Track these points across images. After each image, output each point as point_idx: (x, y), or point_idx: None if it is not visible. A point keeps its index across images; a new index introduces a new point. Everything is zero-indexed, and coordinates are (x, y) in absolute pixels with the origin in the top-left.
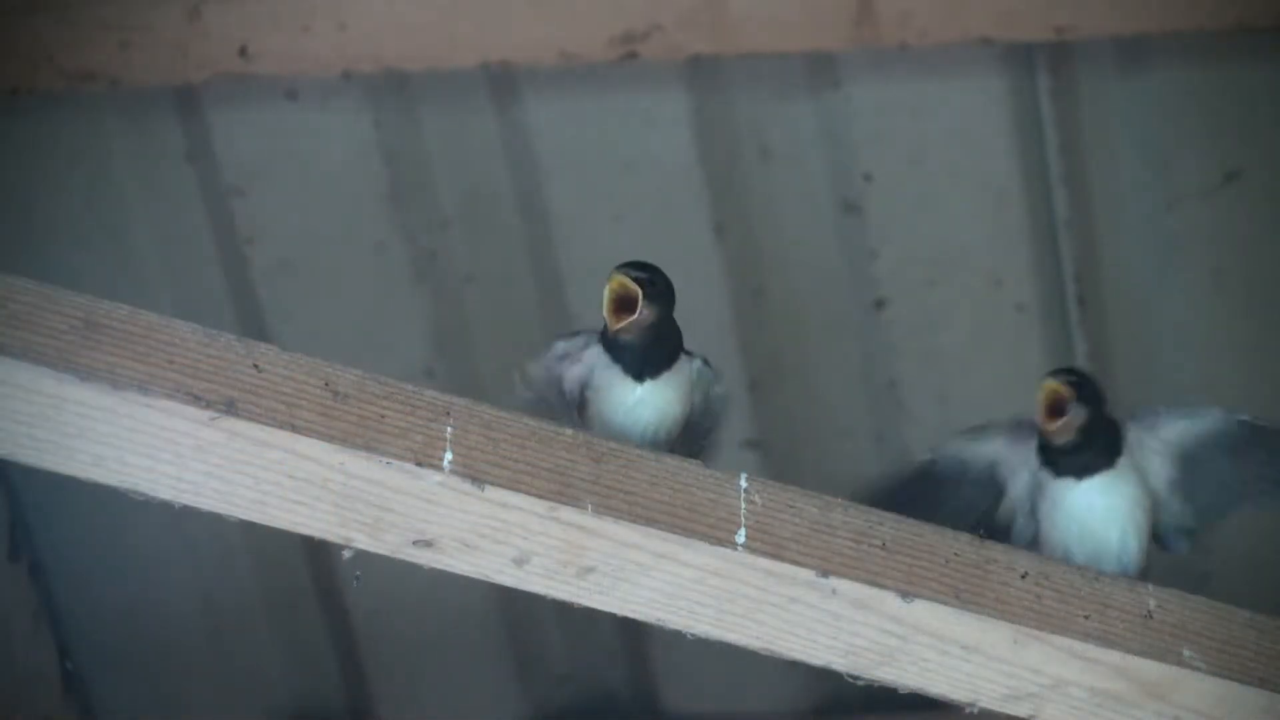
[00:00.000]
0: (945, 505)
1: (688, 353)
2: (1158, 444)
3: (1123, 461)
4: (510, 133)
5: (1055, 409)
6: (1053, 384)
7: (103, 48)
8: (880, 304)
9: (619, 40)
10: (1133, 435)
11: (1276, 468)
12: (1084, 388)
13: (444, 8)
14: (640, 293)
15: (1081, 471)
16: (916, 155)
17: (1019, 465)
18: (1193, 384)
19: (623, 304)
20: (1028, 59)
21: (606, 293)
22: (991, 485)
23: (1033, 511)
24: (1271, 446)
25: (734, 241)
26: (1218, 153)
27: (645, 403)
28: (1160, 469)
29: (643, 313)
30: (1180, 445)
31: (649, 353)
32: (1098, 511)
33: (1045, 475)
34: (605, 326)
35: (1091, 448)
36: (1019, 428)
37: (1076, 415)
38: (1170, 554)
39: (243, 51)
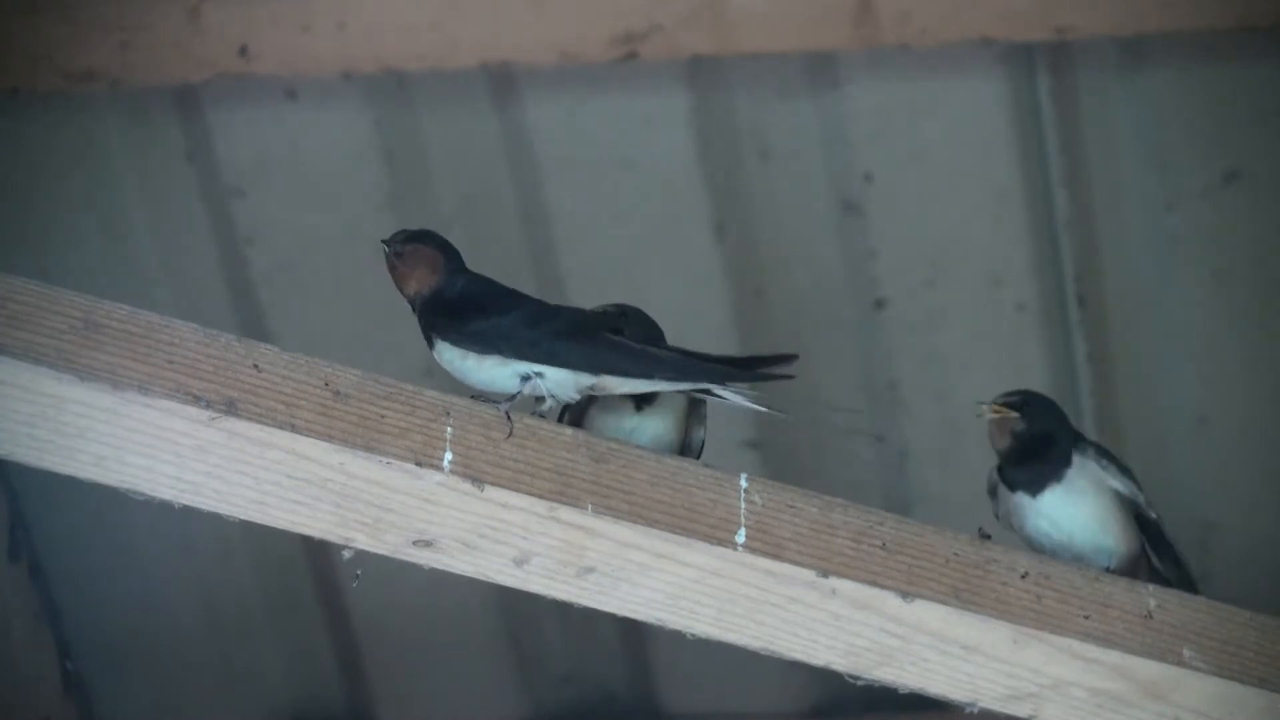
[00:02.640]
0: None
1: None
2: (1108, 470)
3: (1071, 472)
4: (510, 133)
5: (998, 423)
6: (993, 410)
7: (103, 48)
8: (880, 304)
9: (619, 40)
10: (1089, 450)
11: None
12: (1025, 404)
13: (444, 8)
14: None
15: (1033, 487)
16: (916, 155)
17: (998, 491)
18: (1193, 384)
19: None
20: (1028, 59)
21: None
22: None
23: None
24: (1171, 552)
25: (734, 241)
26: (1218, 153)
27: (641, 430)
28: (1116, 481)
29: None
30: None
31: None
32: (1061, 525)
33: (1004, 490)
34: None
35: (1037, 459)
36: (991, 477)
37: (1015, 422)
38: None
39: (243, 51)
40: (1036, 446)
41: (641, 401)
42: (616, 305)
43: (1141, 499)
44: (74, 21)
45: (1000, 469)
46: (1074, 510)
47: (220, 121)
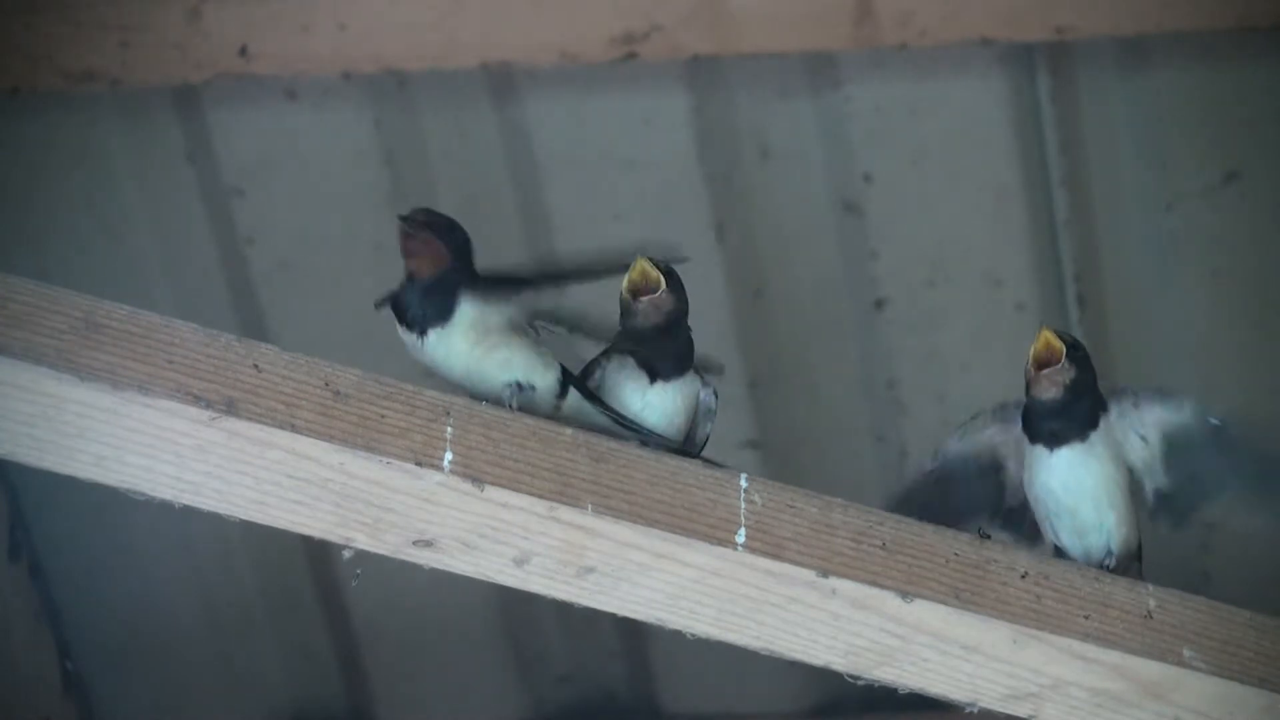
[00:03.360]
0: (959, 505)
1: (697, 371)
2: (1137, 422)
3: (1096, 435)
4: (510, 133)
5: (1046, 359)
6: (1050, 334)
7: (103, 48)
8: (880, 304)
9: (619, 40)
10: (1114, 410)
11: (1246, 468)
12: (1077, 349)
13: (444, 8)
14: (662, 278)
15: (1054, 440)
16: (916, 155)
17: (1011, 443)
18: (1193, 384)
19: (646, 285)
20: (1028, 59)
21: (631, 275)
22: (995, 471)
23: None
24: (1241, 449)
25: (734, 241)
26: (1218, 153)
27: (653, 406)
28: (1140, 446)
29: (663, 294)
30: (1158, 427)
31: (667, 350)
32: (1070, 486)
33: (1024, 440)
34: (612, 340)
35: (1069, 415)
36: (1005, 409)
37: (1064, 371)
38: (1160, 526)
39: (243, 51)
40: (1074, 399)
41: (656, 376)
42: (664, 262)
43: (1189, 408)
44: (74, 21)
45: (1025, 416)
46: (1085, 474)
47: (220, 121)
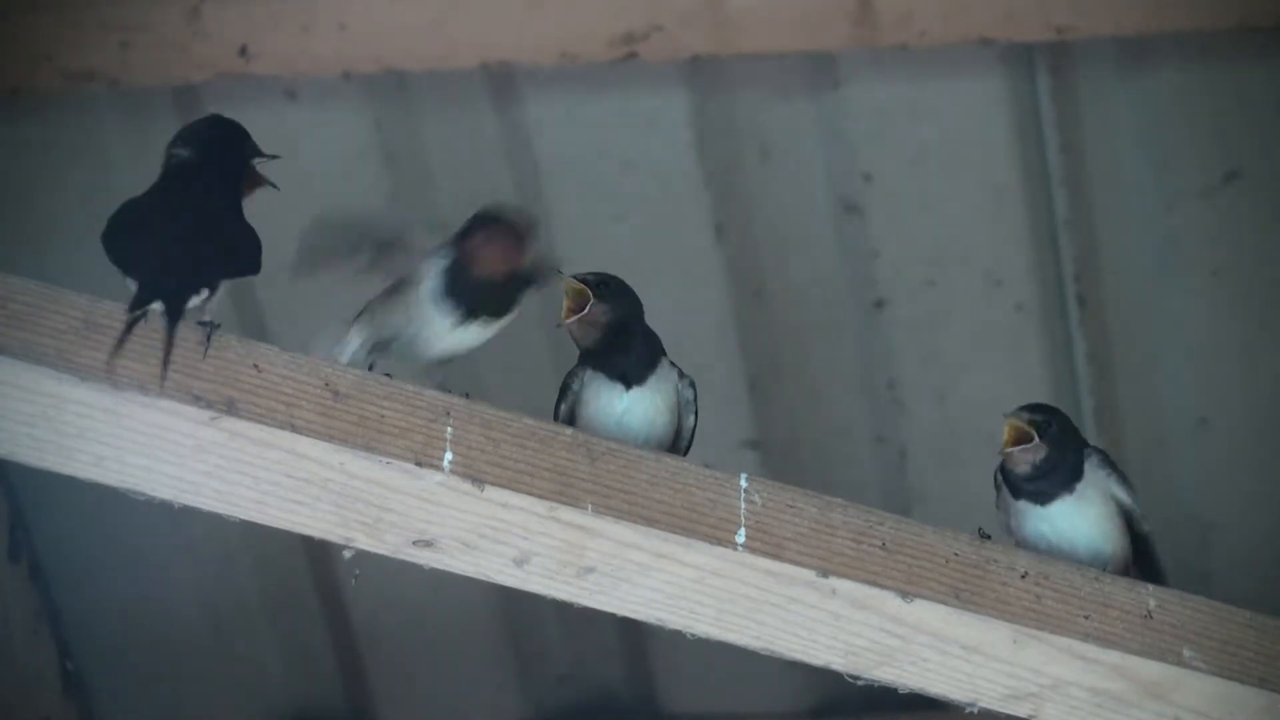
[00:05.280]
0: None
1: (671, 362)
2: (1113, 480)
3: (1081, 485)
4: (510, 133)
5: (1016, 441)
6: (1015, 421)
7: (103, 48)
8: (880, 304)
9: (619, 40)
10: (1095, 458)
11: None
12: (1048, 427)
13: (444, 8)
14: (589, 292)
15: (1042, 497)
16: (916, 155)
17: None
18: (1193, 384)
19: (576, 303)
20: (1028, 59)
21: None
22: None
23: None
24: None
25: (734, 241)
26: (1218, 153)
27: (633, 411)
28: (1123, 493)
29: (592, 309)
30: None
31: (627, 355)
32: (1066, 534)
33: (1008, 496)
34: (581, 348)
35: (1049, 477)
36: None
37: (1036, 450)
38: None
39: (243, 51)
40: (1050, 468)
41: (631, 381)
42: (596, 273)
43: (1138, 511)
44: (74, 21)
45: (1005, 473)
46: (1079, 520)
47: None
